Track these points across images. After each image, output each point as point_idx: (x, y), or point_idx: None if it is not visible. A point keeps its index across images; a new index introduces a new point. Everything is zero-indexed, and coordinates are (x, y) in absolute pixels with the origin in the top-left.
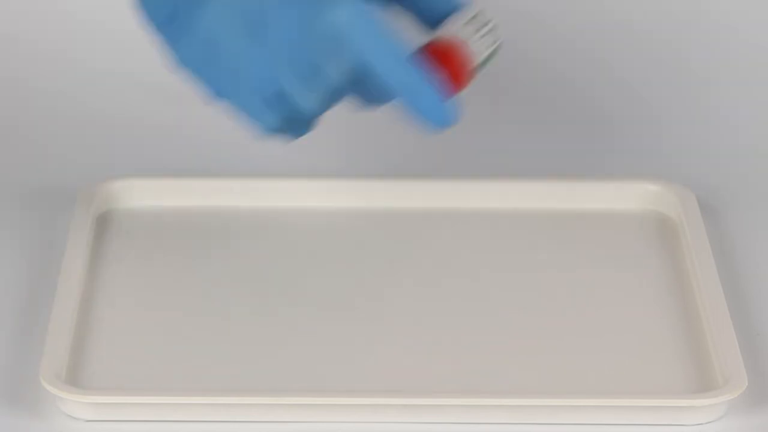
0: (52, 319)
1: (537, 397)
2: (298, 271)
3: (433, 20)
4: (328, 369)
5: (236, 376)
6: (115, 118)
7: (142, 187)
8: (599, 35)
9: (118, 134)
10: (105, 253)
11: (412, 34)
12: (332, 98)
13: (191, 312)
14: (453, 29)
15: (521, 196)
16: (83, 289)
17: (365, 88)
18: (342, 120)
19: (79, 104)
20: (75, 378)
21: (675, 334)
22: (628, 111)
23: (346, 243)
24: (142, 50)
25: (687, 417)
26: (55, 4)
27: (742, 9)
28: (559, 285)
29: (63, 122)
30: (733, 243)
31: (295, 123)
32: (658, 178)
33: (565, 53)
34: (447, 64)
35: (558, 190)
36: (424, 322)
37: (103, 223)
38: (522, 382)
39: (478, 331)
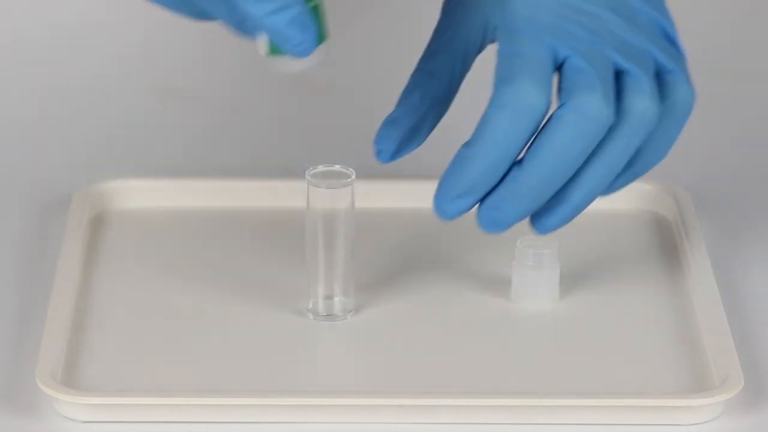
0: (48, 320)
1: (533, 397)
2: (296, 272)
3: None
4: (326, 369)
5: (233, 377)
6: (110, 118)
7: (138, 188)
8: None
9: (113, 135)
10: (100, 254)
11: None
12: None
13: (187, 313)
14: None
15: None
16: (79, 289)
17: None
18: (340, 120)
19: (74, 104)
20: (71, 379)
21: (671, 334)
22: None
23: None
24: (140, 49)
25: (683, 417)
26: (55, 4)
27: (735, 8)
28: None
29: (57, 122)
30: (728, 243)
31: None
32: (653, 178)
33: None
34: None
35: None
36: (422, 322)
37: (99, 224)
38: (519, 382)
39: (476, 331)
